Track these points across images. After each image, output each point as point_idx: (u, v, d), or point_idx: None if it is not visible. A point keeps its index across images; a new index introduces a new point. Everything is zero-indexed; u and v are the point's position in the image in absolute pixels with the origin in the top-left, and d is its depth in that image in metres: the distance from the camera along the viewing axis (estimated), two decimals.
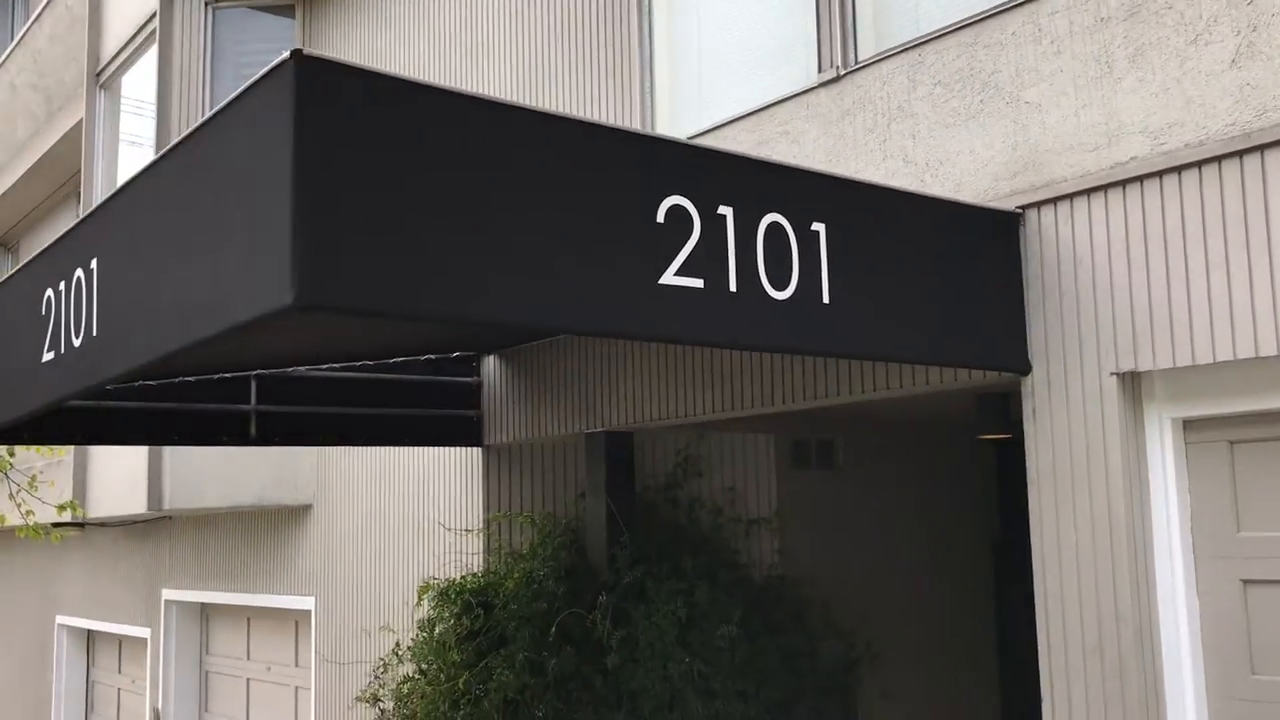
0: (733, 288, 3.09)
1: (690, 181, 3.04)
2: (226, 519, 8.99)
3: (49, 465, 9.80)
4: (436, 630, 5.57)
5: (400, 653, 5.75)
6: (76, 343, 3.53)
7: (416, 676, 5.61)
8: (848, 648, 5.88)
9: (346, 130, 2.46)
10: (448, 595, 5.61)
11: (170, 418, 5.43)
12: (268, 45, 8.55)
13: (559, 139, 2.82)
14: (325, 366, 5.77)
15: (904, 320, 3.56)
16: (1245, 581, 3.56)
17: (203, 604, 9.90)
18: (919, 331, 3.62)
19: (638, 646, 5.13)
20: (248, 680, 9.34)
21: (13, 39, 12.96)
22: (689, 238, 3.02)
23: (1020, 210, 3.91)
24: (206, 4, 8.43)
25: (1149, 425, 3.70)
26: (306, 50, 2.43)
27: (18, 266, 4.17)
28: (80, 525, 10.75)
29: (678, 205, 3.00)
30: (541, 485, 6.35)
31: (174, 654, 9.97)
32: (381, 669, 5.85)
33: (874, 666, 6.12)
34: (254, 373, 5.61)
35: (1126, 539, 3.58)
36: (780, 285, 3.20)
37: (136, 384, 5.27)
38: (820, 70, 4.67)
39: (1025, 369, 3.85)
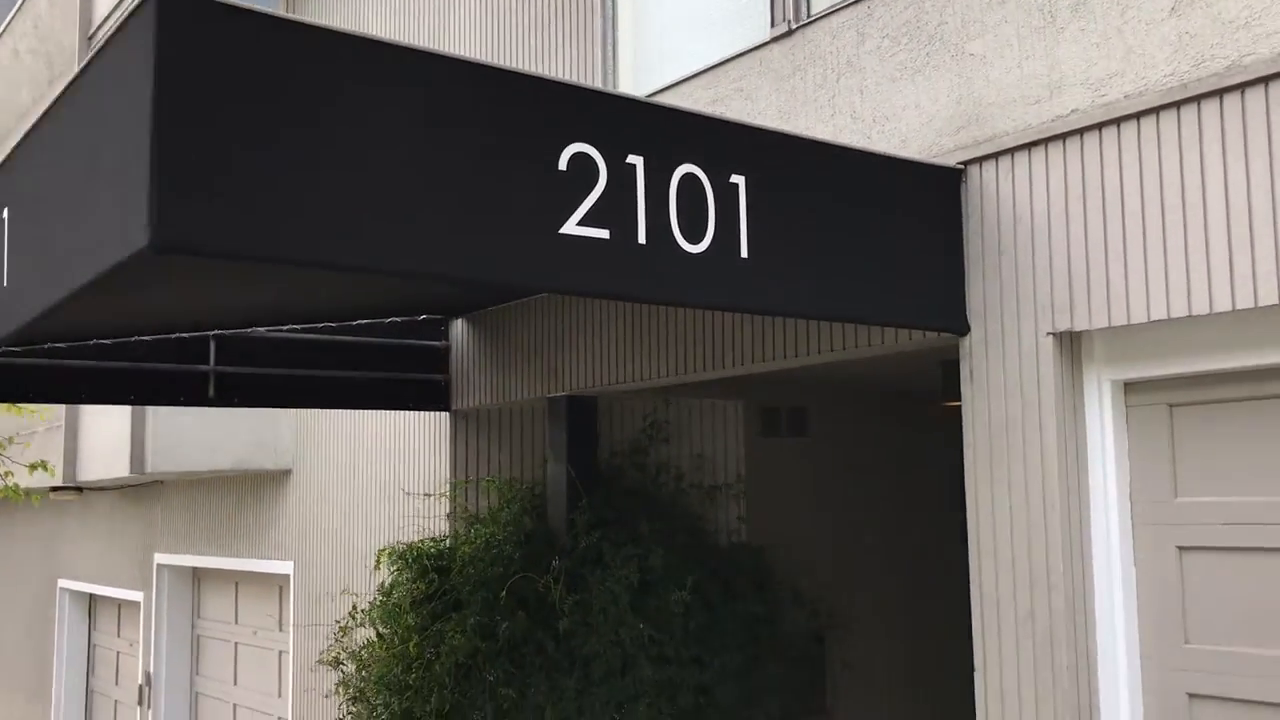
0: (641, 239, 3.01)
1: (597, 129, 2.96)
2: (214, 483, 9.01)
3: (48, 430, 9.86)
4: (393, 594, 5.54)
5: (358, 616, 5.73)
6: None
7: (375, 641, 5.59)
8: (812, 616, 5.80)
9: (209, 67, 2.40)
10: (405, 559, 5.58)
11: (126, 376, 5.40)
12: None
13: (443, 79, 2.74)
14: (287, 328, 5.73)
15: (832, 277, 3.47)
16: (1181, 548, 3.47)
17: (194, 568, 9.94)
18: (850, 289, 3.52)
19: (591, 611, 5.08)
20: (236, 644, 9.39)
21: (14, 5, 12.97)
22: (594, 187, 2.94)
23: (961, 166, 3.80)
24: None
25: (1088, 387, 3.60)
26: None
27: None
28: (78, 489, 10.82)
29: (582, 153, 2.92)
30: (509, 450, 6.30)
31: (166, 618, 10.03)
32: (341, 633, 5.83)
33: (841, 636, 6.05)
34: (212, 333, 5.57)
35: (1060, 503, 3.48)
36: (694, 238, 3.11)
37: (91, 342, 5.25)
38: (773, 25, 4.56)
39: (963, 329, 3.75)
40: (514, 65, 5.41)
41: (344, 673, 5.84)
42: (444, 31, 6.57)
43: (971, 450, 3.73)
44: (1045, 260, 3.56)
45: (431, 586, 5.39)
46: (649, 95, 5.14)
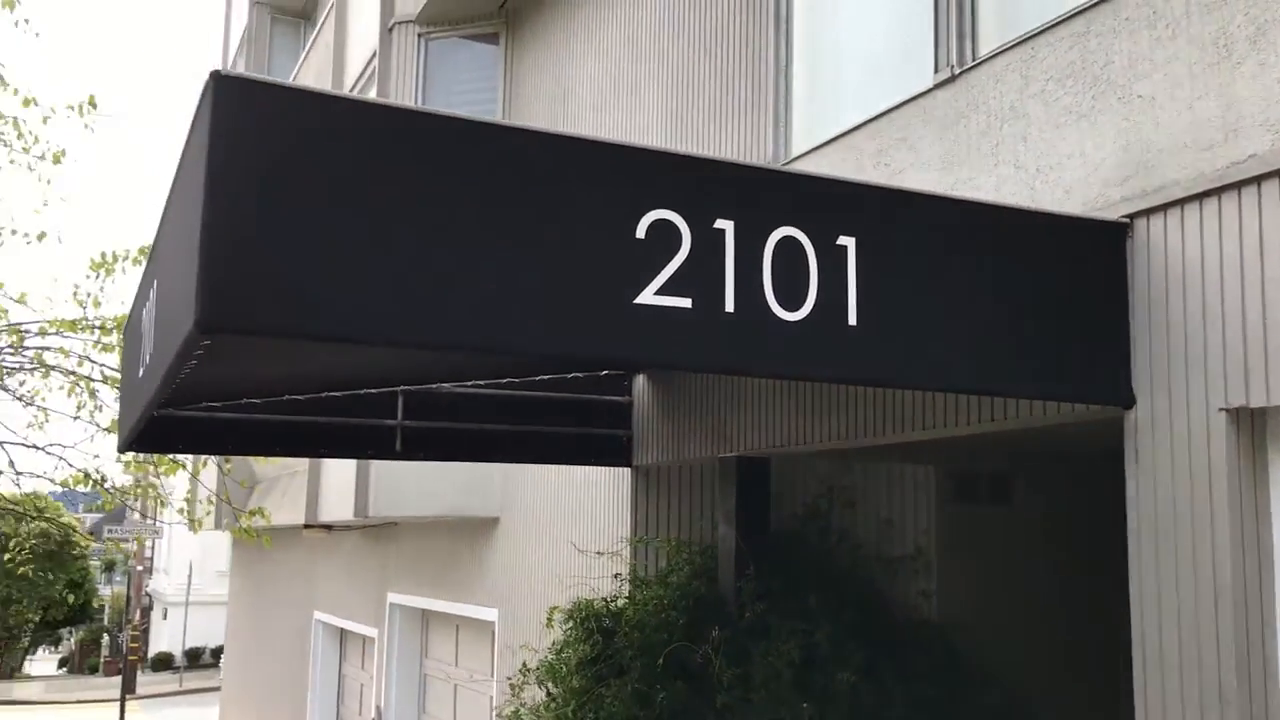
0: (729, 308, 2.84)
1: (679, 194, 2.82)
2: (437, 527, 9.32)
3: (288, 475, 10.53)
4: (563, 653, 5.50)
5: (527, 673, 5.72)
6: (148, 359, 3.71)
7: (545, 700, 5.56)
8: (1006, 703, 5.33)
9: (263, 149, 2.43)
10: (575, 618, 5.53)
11: (318, 431, 5.64)
12: (476, 72, 8.84)
13: (513, 148, 2.68)
14: (470, 383, 5.84)
15: (963, 346, 3.16)
16: None
17: (423, 609, 10.31)
18: (988, 359, 3.20)
19: (752, 686, 4.86)
20: (455, 686, 9.64)
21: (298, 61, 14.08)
22: (676, 254, 2.80)
23: (1128, 220, 3.40)
24: (420, 36, 8.81)
25: (1273, 471, 3.11)
26: (225, 70, 2.42)
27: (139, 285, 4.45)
28: (327, 527, 11.49)
29: (664, 219, 2.79)
30: (686, 509, 6.16)
31: (397, 655, 10.44)
32: (515, 689, 5.84)
33: None
34: (399, 389, 5.75)
35: (1233, 606, 3.02)
36: (792, 306, 2.91)
37: (284, 397, 5.52)
38: (936, 70, 4.28)
39: (1129, 403, 3.34)
40: (600, 135, 5.33)
41: None
42: (640, 89, 6.58)
43: (1136, 539, 3.30)
44: (1219, 326, 3.12)
45: (597, 649, 5.31)
46: (818, 146, 4.94)
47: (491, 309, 2.60)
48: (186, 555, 37.57)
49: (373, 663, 11.34)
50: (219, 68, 2.43)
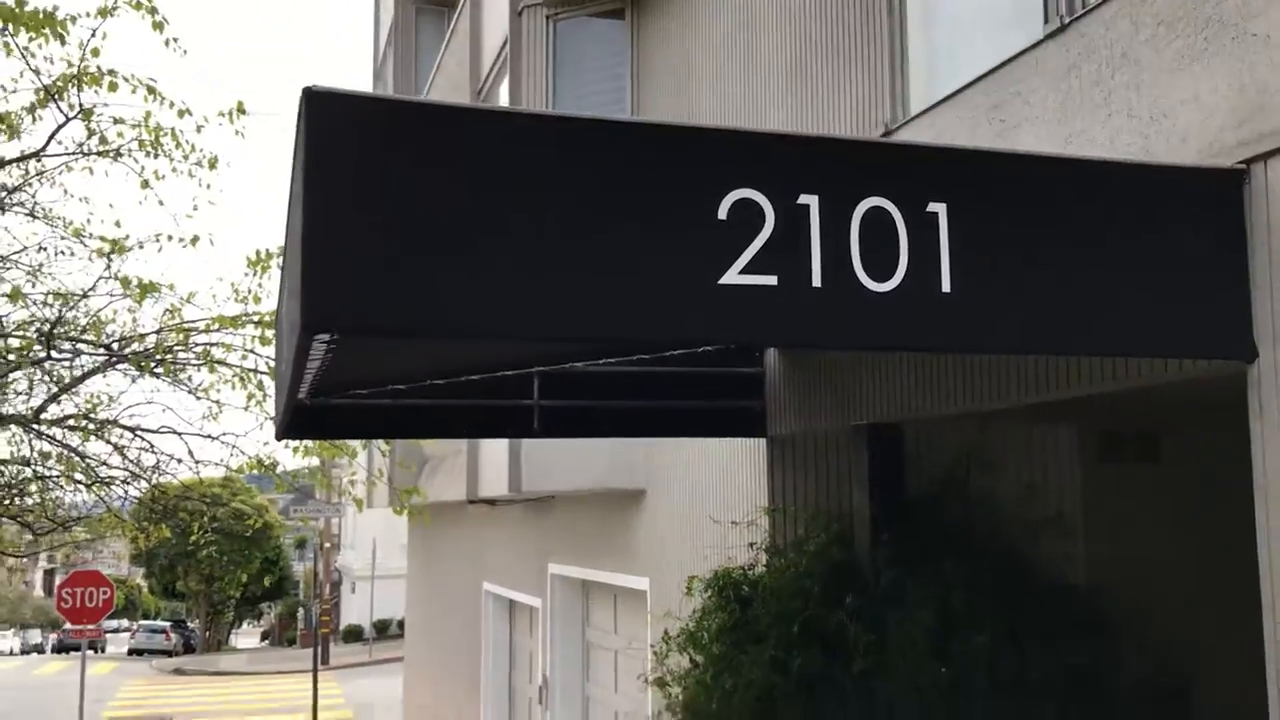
0: (816, 282, 2.86)
1: (760, 172, 2.85)
2: (591, 500, 9.55)
3: (454, 453, 10.93)
4: (703, 621, 5.61)
5: (669, 640, 5.85)
6: (285, 353, 3.95)
7: (689, 666, 5.68)
8: (1159, 667, 5.19)
9: (355, 158, 2.57)
10: (715, 586, 5.62)
11: (461, 413, 5.87)
12: (605, 48, 8.95)
13: (583, 142, 2.76)
14: (602, 362, 5.97)
15: (1068, 307, 3.10)
16: None
17: (582, 580, 10.58)
18: (1094, 319, 3.13)
19: (888, 651, 4.86)
20: (615, 653, 9.88)
21: (434, 64, 14.49)
22: (760, 232, 2.83)
23: (1245, 165, 3.26)
24: (548, 18, 8.97)
25: None
26: (315, 87, 2.57)
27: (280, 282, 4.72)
28: (491, 501, 11.90)
29: (746, 198, 2.83)
30: (825, 477, 6.16)
31: (559, 625, 10.75)
32: (660, 655, 5.97)
33: (1206, 696, 5.36)
34: (536, 369, 5.92)
35: None
36: (882, 276, 2.91)
37: (427, 383, 5.76)
38: (1046, 21, 4.15)
39: (1250, 355, 3.21)
40: (674, 120, 5.29)
41: (669, 694, 5.98)
42: (758, 56, 6.57)
43: (1263, 496, 3.18)
44: None
45: (735, 616, 5.39)
46: (936, 103, 4.86)
47: (583, 299, 2.69)
48: (371, 532, 39.27)
49: (539, 631, 11.71)
50: (313, 84, 2.58)
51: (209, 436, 7.75)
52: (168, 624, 53.08)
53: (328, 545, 39.85)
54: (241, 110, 7.56)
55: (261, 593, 53.54)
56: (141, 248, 7.69)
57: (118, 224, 9.87)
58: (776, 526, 6.05)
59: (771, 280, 2.82)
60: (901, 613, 4.90)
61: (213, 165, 7.66)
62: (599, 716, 10.33)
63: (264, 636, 60.59)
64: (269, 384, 7.89)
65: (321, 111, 2.55)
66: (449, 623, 15.50)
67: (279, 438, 5.52)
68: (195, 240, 7.86)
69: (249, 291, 7.60)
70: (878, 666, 4.88)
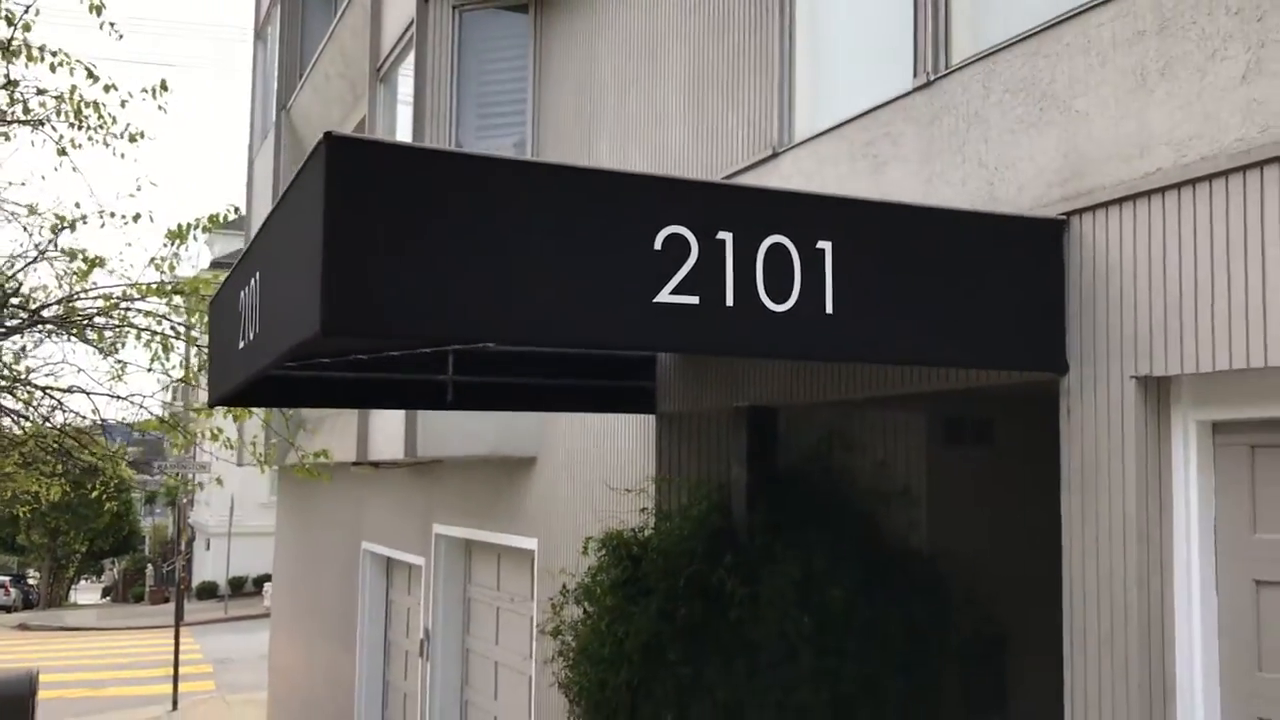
0: (729, 302, 3.56)
1: (689, 212, 3.52)
2: (479, 465, 10.15)
3: (334, 414, 11.36)
4: (597, 577, 6.32)
5: (567, 594, 6.54)
6: (251, 336, 4.46)
7: (581, 617, 6.39)
8: (983, 622, 6.11)
9: (367, 193, 3.15)
10: (609, 546, 6.33)
11: (379, 385, 6.42)
12: (508, 41, 9.46)
13: (559, 185, 3.39)
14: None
15: (927, 326, 3.87)
16: (1258, 582, 3.66)
17: (465, 539, 11.19)
18: (947, 336, 3.91)
19: (760, 604, 5.65)
20: (498, 609, 10.54)
21: (324, 36, 14.68)
22: (686, 261, 3.51)
23: (1064, 217, 4.08)
24: (454, 8, 9.44)
25: (1175, 427, 3.83)
26: (336, 131, 3.14)
27: (230, 272, 5.20)
28: (374, 464, 12.38)
29: (676, 233, 3.50)
30: (708, 452, 6.93)
31: (443, 581, 11.36)
32: (556, 607, 6.67)
33: (1017, 642, 6.31)
34: (450, 348, 6.50)
35: (1137, 535, 3.76)
36: (780, 299, 3.63)
37: (350, 356, 6.29)
38: (915, 75, 4.93)
39: (1063, 370, 4.05)
40: (615, 167, 5.99)
41: (562, 642, 6.68)
42: (658, 67, 7.23)
43: (1066, 484, 4.04)
44: (1132, 308, 3.81)
45: (627, 573, 6.12)
46: (819, 134, 5.61)
47: (548, 310, 3.33)
48: (228, 489, 38.87)
49: (419, 589, 12.27)
50: (332, 130, 3.13)
51: (116, 396, 8.05)
52: (6, 579, 51.47)
53: (184, 501, 39.39)
54: (165, 88, 7.85)
55: (109, 548, 52.29)
56: (85, 222, 7.94)
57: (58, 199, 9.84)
58: (662, 494, 6.79)
59: (694, 300, 3.51)
60: (772, 569, 5.69)
61: (134, 139, 7.94)
62: (479, 667, 10.99)
63: (105, 593, 59.10)
64: (178, 346, 8.26)
65: (342, 153, 3.13)
66: (322, 579, 15.89)
67: (213, 405, 5.97)
68: (138, 217, 8.15)
69: (163, 260, 7.93)
70: (751, 616, 5.65)
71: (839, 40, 5.80)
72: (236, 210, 12.57)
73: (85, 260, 7.43)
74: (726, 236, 3.57)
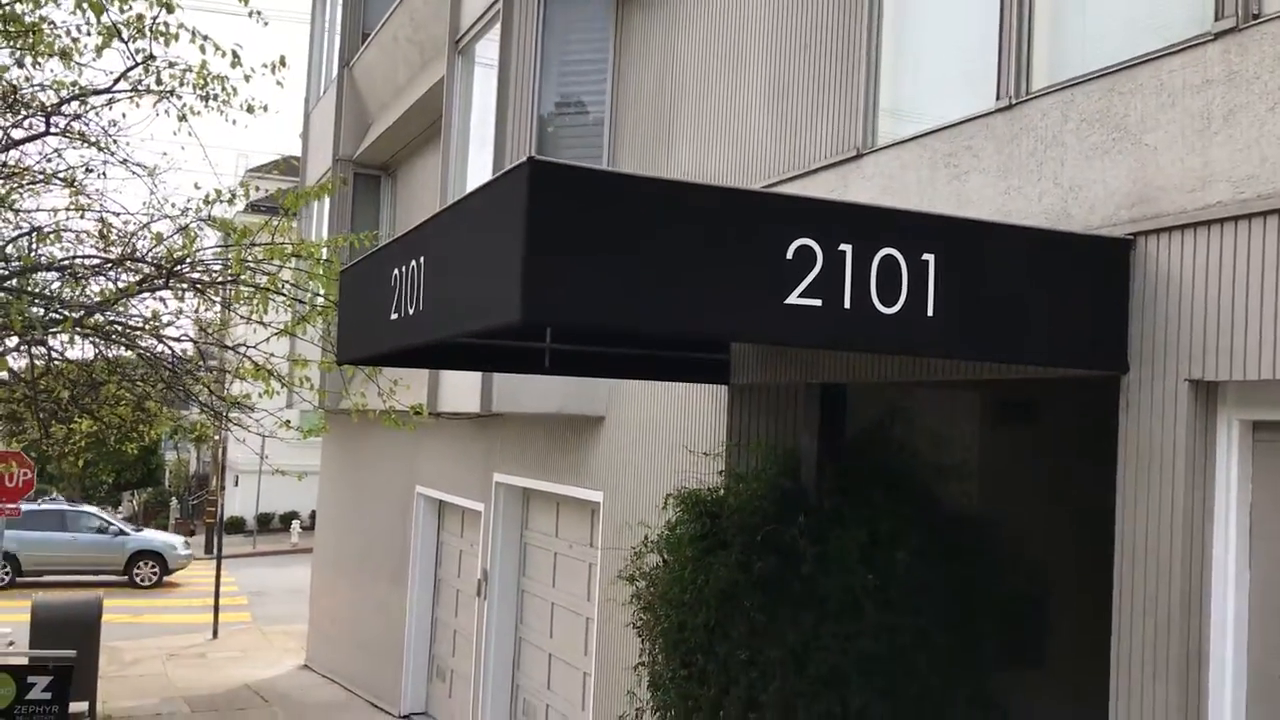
0: (846, 305, 4.19)
1: (816, 226, 4.14)
2: (542, 421, 10.84)
3: (410, 371, 12.02)
4: (677, 530, 6.99)
5: (649, 544, 7.22)
6: (410, 311, 5.10)
7: (660, 565, 7.07)
8: (1028, 583, 6.78)
9: (558, 205, 3.77)
10: (687, 503, 7.00)
11: (487, 351, 7.08)
12: (591, 25, 10.01)
13: (706, 201, 4.02)
14: None
15: (1010, 329, 4.50)
16: None
17: (524, 488, 11.91)
18: (1026, 338, 4.54)
19: (828, 560, 6.32)
20: (555, 554, 11.28)
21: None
22: (812, 268, 4.14)
23: (1131, 237, 4.68)
24: None
25: (1220, 424, 4.46)
26: (537, 156, 3.75)
27: (380, 246, 5.84)
28: (436, 415, 13.08)
29: (805, 244, 4.12)
30: (772, 422, 7.58)
31: (500, 527, 12.10)
32: (635, 555, 7.36)
33: (1058, 610, 6.98)
34: None
35: (1184, 516, 4.40)
36: (889, 302, 4.25)
37: None
38: (998, 98, 5.51)
39: (1125, 369, 4.67)
40: (757, 185, 6.60)
41: (637, 587, 7.37)
42: (740, 71, 7.79)
43: (1123, 468, 4.67)
44: (1189, 321, 4.42)
45: (705, 528, 6.79)
46: (902, 140, 6.19)
47: (702, 309, 3.97)
48: (263, 425, 39.72)
49: (475, 532, 13.02)
50: (534, 155, 3.76)
51: (223, 345, 8.68)
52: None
53: (216, 439, 40.38)
54: (283, 63, 8.44)
55: (135, 480, 53.33)
56: (242, 199, 8.60)
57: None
58: (733, 459, 7.46)
59: (818, 303, 4.13)
60: (841, 531, 6.35)
61: (250, 110, 8.55)
62: (534, 608, 11.74)
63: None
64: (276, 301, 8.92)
65: (542, 175, 3.75)
66: (373, 519, 16.66)
67: (342, 362, 6.63)
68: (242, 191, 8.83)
69: (275, 226, 8.57)
70: (819, 571, 6.33)
71: (924, 54, 6.37)
72: (290, 160, 13.12)
73: (234, 231, 8.08)
74: (847, 248, 4.19)
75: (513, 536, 12.15)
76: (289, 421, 10.33)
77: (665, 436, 8.49)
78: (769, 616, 6.38)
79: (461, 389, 10.64)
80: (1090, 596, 7.35)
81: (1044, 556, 6.92)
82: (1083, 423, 7.45)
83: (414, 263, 5.05)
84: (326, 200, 16.66)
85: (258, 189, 9.32)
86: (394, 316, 5.35)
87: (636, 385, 9.06)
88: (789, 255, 4.10)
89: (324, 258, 8.89)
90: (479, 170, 10.90)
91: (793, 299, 4.09)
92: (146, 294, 8.47)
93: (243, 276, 8.44)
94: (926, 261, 4.32)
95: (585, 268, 3.81)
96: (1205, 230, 4.39)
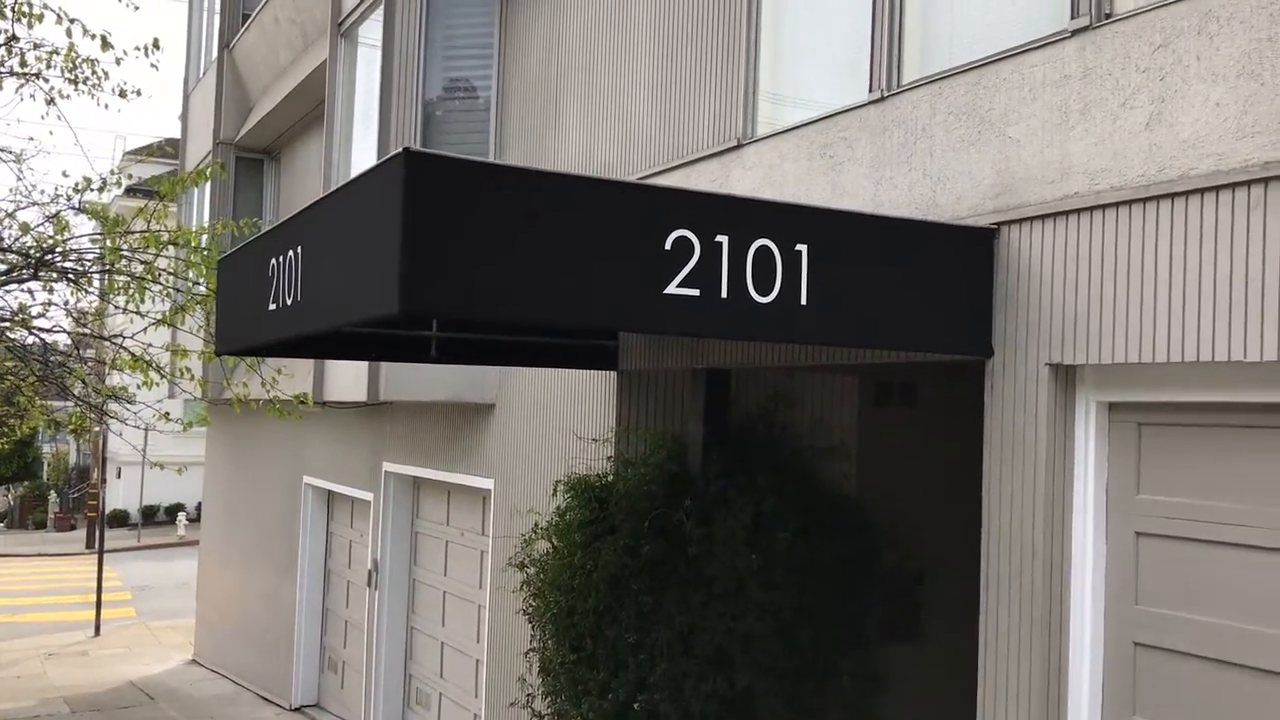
0: (724, 294, 4.28)
1: (694, 218, 4.22)
2: (431, 409, 10.79)
3: (295, 359, 11.84)
4: (566, 516, 7.05)
5: (539, 530, 7.27)
6: (288, 301, 5.05)
7: (550, 551, 7.13)
8: (905, 559, 7.01)
9: (437, 196, 3.78)
10: (576, 489, 7.07)
11: (372, 339, 7.03)
12: (476, 7, 9.95)
13: (590, 194, 4.07)
14: None
15: (879, 316, 4.65)
16: (1138, 533, 4.54)
17: (415, 477, 11.84)
18: (895, 325, 4.69)
19: (714, 542, 6.44)
20: (446, 542, 11.25)
21: None
22: (690, 259, 4.22)
23: (995, 227, 4.87)
24: None
25: (1078, 405, 4.67)
26: (412, 148, 3.76)
27: (256, 235, 5.75)
28: (322, 404, 12.91)
29: (682, 235, 4.20)
30: (660, 407, 7.68)
31: (391, 516, 12.01)
32: (525, 542, 7.40)
33: (933, 578, 7.23)
34: None
35: (1045, 492, 4.60)
36: (764, 291, 4.36)
37: None
38: (870, 90, 5.66)
39: (989, 354, 4.86)
40: (630, 178, 6.69)
41: (528, 574, 7.41)
42: (626, 56, 7.84)
43: (989, 448, 4.87)
44: (1049, 307, 4.63)
45: (594, 513, 6.86)
46: (781, 131, 6.32)
47: (584, 299, 4.01)
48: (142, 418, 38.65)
49: (364, 522, 12.90)
50: (410, 145, 3.76)
51: (99, 337, 8.43)
52: None
53: (97, 430, 39.13)
54: (157, 45, 8.21)
55: (10, 474, 51.43)
56: (115, 186, 8.30)
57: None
58: (621, 444, 7.53)
59: (695, 292, 4.22)
60: (726, 513, 6.48)
61: (123, 95, 8.29)
62: (426, 596, 11.70)
63: (0, 519, 58.13)
64: (152, 290, 8.71)
65: (418, 166, 3.76)
66: (261, 510, 16.38)
67: (220, 354, 6.52)
68: (118, 181, 8.58)
69: (151, 212, 8.35)
70: (706, 553, 6.45)
71: (801, 46, 6.50)
72: (169, 144, 12.77)
73: (106, 219, 7.83)
74: (724, 239, 4.28)
75: (403, 526, 12.07)
76: (168, 414, 10.08)
77: (555, 423, 8.53)
78: (656, 599, 6.49)
79: (347, 378, 10.53)
80: (962, 571, 7.64)
81: (920, 534, 7.16)
82: (955, 404, 7.72)
83: (291, 253, 5.00)
84: (208, 185, 16.27)
85: (130, 176, 9.01)
86: (273, 307, 5.29)
87: (527, 372, 9.08)
88: (667, 246, 4.17)
89: (203, 244, 8.69)
90: (364, 154, 10.78)
91: (671, 289, 4.17)
92: (14, 285, 8.19)
93: (118, 265, 8.21)
94: (800, 252, 4.44)
95: (464, 259, 3.83)
96: (1064, 220, 4.59)
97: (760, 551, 6.36)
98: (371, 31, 10.90)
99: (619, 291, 4.10)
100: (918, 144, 5.34)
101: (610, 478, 7.13)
